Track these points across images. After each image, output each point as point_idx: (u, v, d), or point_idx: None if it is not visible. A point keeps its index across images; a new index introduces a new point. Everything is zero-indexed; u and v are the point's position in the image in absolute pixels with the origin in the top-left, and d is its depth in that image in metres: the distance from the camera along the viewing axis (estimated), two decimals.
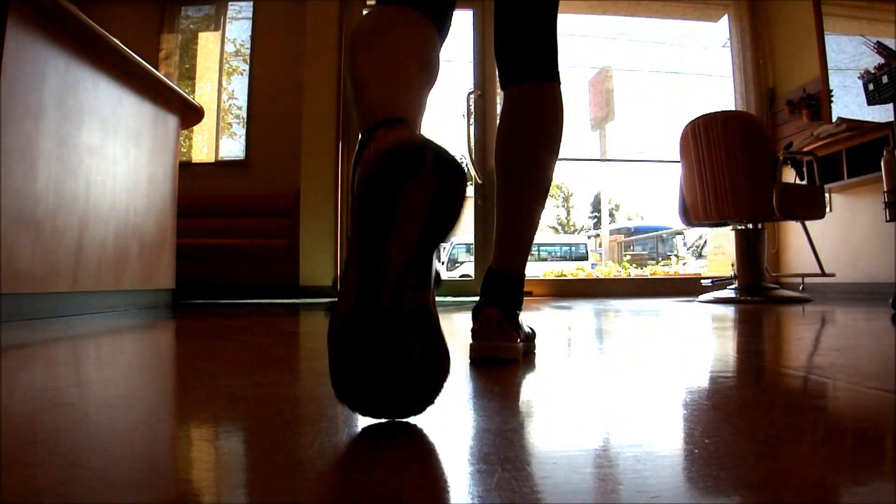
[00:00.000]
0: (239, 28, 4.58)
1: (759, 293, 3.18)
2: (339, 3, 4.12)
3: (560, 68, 1.09)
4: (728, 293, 3.28)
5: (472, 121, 4.11)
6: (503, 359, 0.97)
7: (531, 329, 1.15)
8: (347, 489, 0.42)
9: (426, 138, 0.54)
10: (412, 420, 0.60)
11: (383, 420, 0.59)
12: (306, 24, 4.12)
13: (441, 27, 0.90)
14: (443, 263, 12.31)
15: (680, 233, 15.11)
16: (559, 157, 1.11)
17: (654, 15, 5.08)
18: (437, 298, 0.58)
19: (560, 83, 1.08)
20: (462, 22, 4.22)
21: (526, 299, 1.14)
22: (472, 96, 4.08)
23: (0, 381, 0.87)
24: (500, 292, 1.01)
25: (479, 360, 0.98)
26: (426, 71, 0.82)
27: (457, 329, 1.70)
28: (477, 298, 1.06)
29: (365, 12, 0.86)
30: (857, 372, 0.95)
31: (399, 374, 0.54)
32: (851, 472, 0.48)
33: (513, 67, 1.07)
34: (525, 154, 1.05)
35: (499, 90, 3.41)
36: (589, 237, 19.70)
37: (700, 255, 11.44)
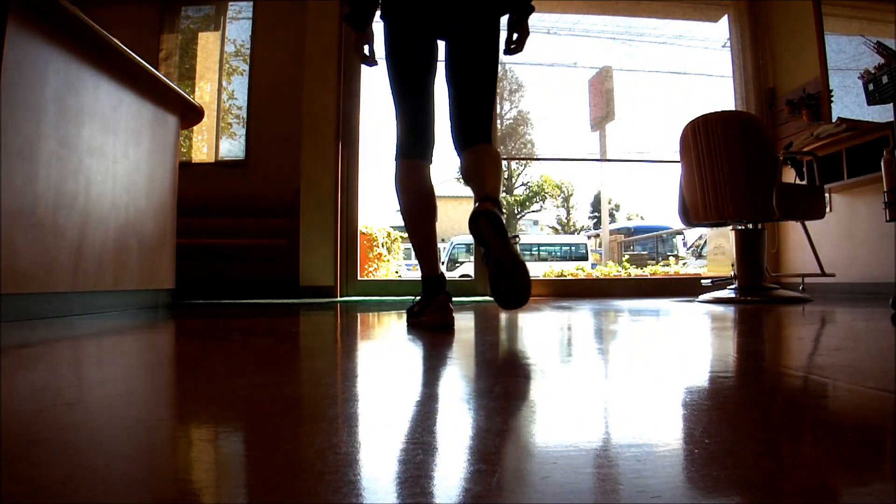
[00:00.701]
0: (239, 28, 4.58)
1: (759, 293, 3.18)
2: (340, 3, 4.11)
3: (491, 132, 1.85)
4: (728, 293, 3.28)
5: None
6: (492, 214, 1.52)
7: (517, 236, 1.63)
8: (347, 489, 0.42)
9: (448, 319, 1.67)
10: (412, 420, 0.60)
11: (385, 419, 0.59)
12: (306, 24, 4.11)
13: (432, 160, 1.84)
14: (443, 263, 12.37)
15: (680, 233, 15.11)
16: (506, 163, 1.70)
17: (654, 15, 5.08)
18: None
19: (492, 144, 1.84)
20: None
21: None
22: None
23: (0, 381, 0.87)
24: (490, 201, 1.56)
25: (480, 215, 1.53)
26: (435, 214, 1.82)
27: (457, 328, 1.69)
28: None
29: (402, 165, 1.80)
30: (857, 372, 0.95)
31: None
32: (851, 472, 0.48)
33: (467, 137, 1.79)
34: (482, 167, 1.72)
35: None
36: (589, 237, 19.68)
37: (700, 256, 11.43)
